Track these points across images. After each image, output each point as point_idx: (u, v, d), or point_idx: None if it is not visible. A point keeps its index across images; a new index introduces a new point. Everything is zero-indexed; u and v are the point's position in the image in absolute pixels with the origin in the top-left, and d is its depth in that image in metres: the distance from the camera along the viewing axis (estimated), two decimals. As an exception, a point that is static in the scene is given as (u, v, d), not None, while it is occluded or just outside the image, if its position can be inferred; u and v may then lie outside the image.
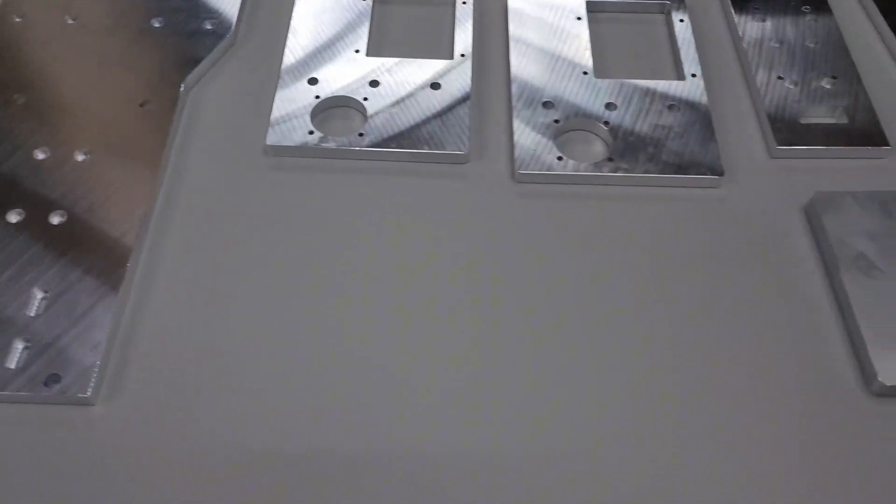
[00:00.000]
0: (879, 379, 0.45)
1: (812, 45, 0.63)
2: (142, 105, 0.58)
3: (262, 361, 0.47)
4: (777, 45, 0.63)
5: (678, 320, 0.49)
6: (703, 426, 0.45)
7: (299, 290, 0.50)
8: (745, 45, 0.63)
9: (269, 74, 0.61)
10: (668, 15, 0.66)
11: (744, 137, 0.59)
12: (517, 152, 0.56)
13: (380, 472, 0.43)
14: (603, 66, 0.63)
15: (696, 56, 0.62)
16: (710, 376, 0.47)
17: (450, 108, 0.58)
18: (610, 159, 0.56)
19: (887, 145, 0.56)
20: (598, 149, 0.57)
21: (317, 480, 0.43)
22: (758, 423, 0.45)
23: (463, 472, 0.43)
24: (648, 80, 0.60)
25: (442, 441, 0.44)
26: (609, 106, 0.58)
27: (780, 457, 0.44)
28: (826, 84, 0.60)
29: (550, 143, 0.56)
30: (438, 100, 0.59)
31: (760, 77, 0.61)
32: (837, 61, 0.62)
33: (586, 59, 0.62)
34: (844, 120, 0.58)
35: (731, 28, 0.66)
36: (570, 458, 0.44)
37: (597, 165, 0.55)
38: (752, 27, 0.64)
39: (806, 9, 0.65)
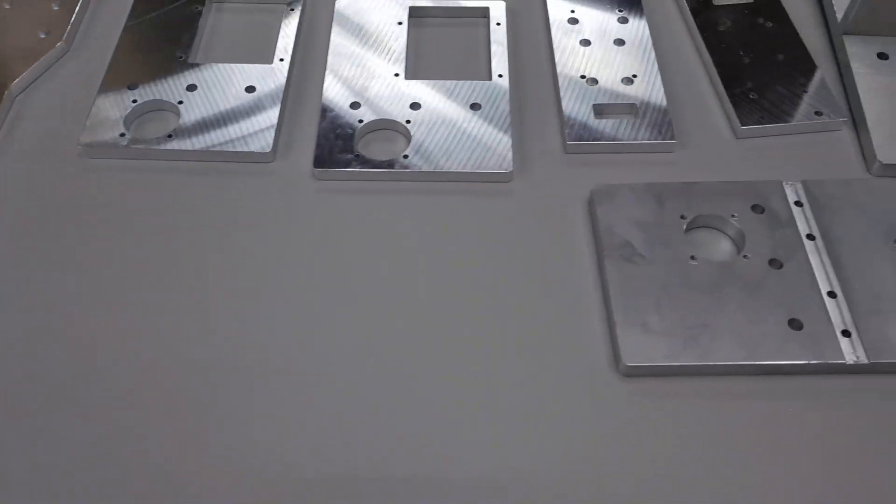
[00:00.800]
0: (623, 361, 0.48)
1: (620, 46, 0.65)
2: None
3: (64, 362, 0.49)
4: (586, 46, 0.65)
5: (467, 308, 0.52)
6: (480, 399, 0.48)
7: (113, 288, 0.52)
8: (555, 45, 0.65)
9: (96, 82, 0.63)
10: (487, 18, 0.69)
11: (543, 134, 0.61)
12: (316, 151, 0.58)
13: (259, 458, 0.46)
14: (416, 68, 0.66)
15: (506, 57, 0.64)
16: (490, 357, 0.49)
17: (260, 110, 0.61)
18: (405, 156, 0.58)
19: (673, 139, 0.59)
20: (399, 147, 0.60)
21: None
22: (523, 397, 0.48)
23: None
24: (457, 81, 0.63)
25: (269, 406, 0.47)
26: (414, 106, 0.61)
27: (540, 428, 0.47)
28: (626, 83, 0.62)
29: (350, 143, 0.59)
30: (251, 102, 0.61)
31: (563, 76, 0.63)
32: (642, 60, 0.64)
33: (400, 62, 0.64)
34: (636, 116, 0.60)
35: (547, 29, 0.68)
36: (378, 418, 0.46)
37: (392, 162, 0.58)
38: (564, 29, 0.66)
39: (621, 10, 0.68)
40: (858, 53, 0.63)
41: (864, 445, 0.46)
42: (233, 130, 0.59)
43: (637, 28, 0.67)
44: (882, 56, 0.63)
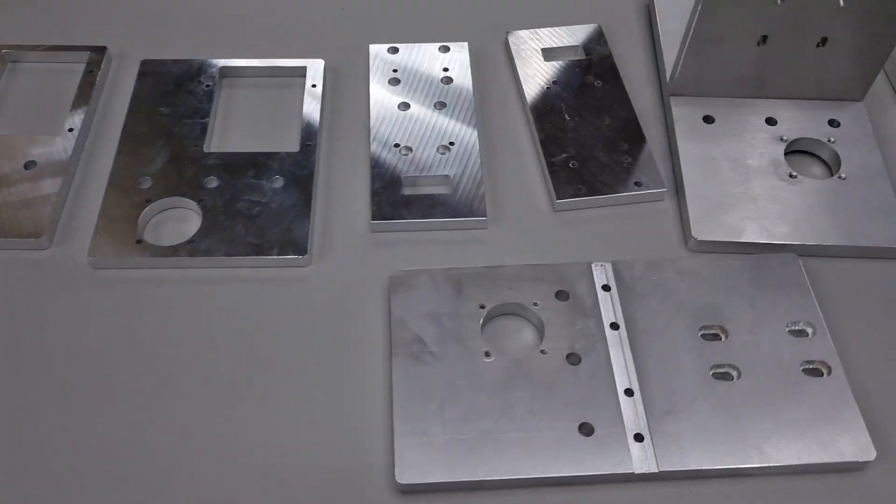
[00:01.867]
0: (396, 477, 0.44)
1: (440, 109, 0.61)
2: None
3: None
4: (405, 109, 0.61)
5: (249, 412, 0.47)
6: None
7: None
8: (371, 109, 0.61)
9: None
10: (304, 78, 0.64)
11: (350, 211, 0.57)
12: (95, 236, 0.53)
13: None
14: (221, 136, 0.61)
15: (319, 123, 0.60)
16: (267, 467, 0.45)
17: (39, 187, 0.55)
18: (192, 241, 0.53)
19: (484, 216, 0.55)
20: (191, 228, 0.55)
21: None
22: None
23: None
24: (264, 151, 0.58)
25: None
26: (209, 181, 0.56)
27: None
28: (442, 151, 0.59)
29: (134, 225, 0.54)
30: (28, 180, 0.55)
31: (377, 143, 0.59)
32: (462, 125, 0.60)
33: (202, 129, 0.59)
34: (450, 189, 0.57)
35: (367, 91, 0.63)
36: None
37: (176, 248, 0.53)
38: (383, 94, 0.62)
39: (446, 68, 0.63)
40: (684, 116, 0.60)
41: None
42: (3, 214, 0.54)
43: (461, 88, 0.63)
44: (708, 119, 0.60)
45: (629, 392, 0.47)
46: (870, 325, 0.52)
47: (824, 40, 0.57)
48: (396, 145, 0.59)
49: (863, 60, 0.58)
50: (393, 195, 0.56)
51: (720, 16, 0.56)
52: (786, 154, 0.59)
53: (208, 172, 0.57)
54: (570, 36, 0.67)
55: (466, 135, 0.59)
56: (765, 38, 0.57)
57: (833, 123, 0.60)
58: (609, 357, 0.49)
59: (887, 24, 0.56)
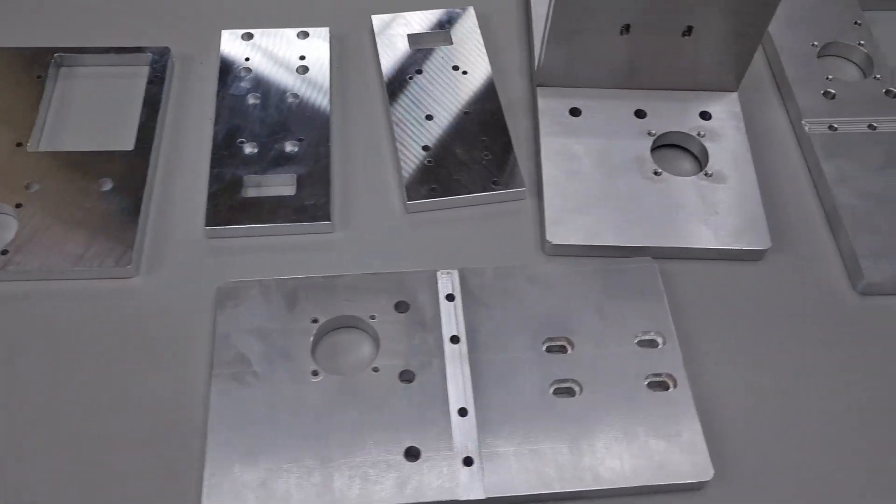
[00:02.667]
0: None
1: (293, 101, 0.56)
2: None
3: None
4: (255, 101, 0.56)
5: (66, 425, 0.44)
6: None
7: None
8: (217, 102, 0.56)
9: None
10: (149, 67, 0.59)
11: (185, 217, 0.53)
12: None
13: None
14: (53, 134, 0.56)
15: (160, 118, 0.55)
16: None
17: None
18: (4, 252, 0.49)
19: (328, 220, 0.52)
20: (6, 237, 0.50)
21: None
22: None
23: None
24: (96, 150, 0.53)
25: None
26: (29, 186, 0.52)
27: None
28: (289, 148, 0.54)
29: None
30: None
31: (218, 143, 0.54)
32: (312, 120, 0.56)
33: (28, 125, 0.54)
34: (297, 190, 0.53)
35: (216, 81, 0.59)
36: None
37: (-13, 261, 0.49)
38: (232, 85, 0.57)
39: (302, 57, 0.59)
40: (550, 108, 0.57)
41: None
42: None
43: (316, 78, 0.58)
44: (574, 112, 0.57)
45: (463, 412, 0.44)
46: (725, 331, 0.50)
47: (690, 29, 0.54)
48: (241, 142, 0.55)
49: (733, 49, 0.55)
50: (231, 198, 0.52)
51: (578, 3, 0.52)
52: (656, 148, 0.57)
53: (31, 175, 0.52)
54: (440, 20, 0.63)
55: (318, 130, 0.56)
56: (627, 27, 0.54)
57: (704, 116, 0.57)
58: (445, 373, 0.46)
59: (753, 12, 0.53)
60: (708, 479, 0.43)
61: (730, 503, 0.44)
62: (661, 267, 0.51)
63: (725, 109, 0.58)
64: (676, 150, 0.58)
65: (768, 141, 0.59)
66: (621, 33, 0.54)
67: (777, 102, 0.61)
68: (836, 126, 0.57)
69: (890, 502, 0.44)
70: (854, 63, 0.63)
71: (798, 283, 0.52)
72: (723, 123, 0.57)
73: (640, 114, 0.57)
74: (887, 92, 0.59)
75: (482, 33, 0.62)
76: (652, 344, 0.48)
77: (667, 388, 0.46)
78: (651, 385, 0.46)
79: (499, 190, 0.54)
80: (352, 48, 0.62)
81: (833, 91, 0.59)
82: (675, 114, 0.57)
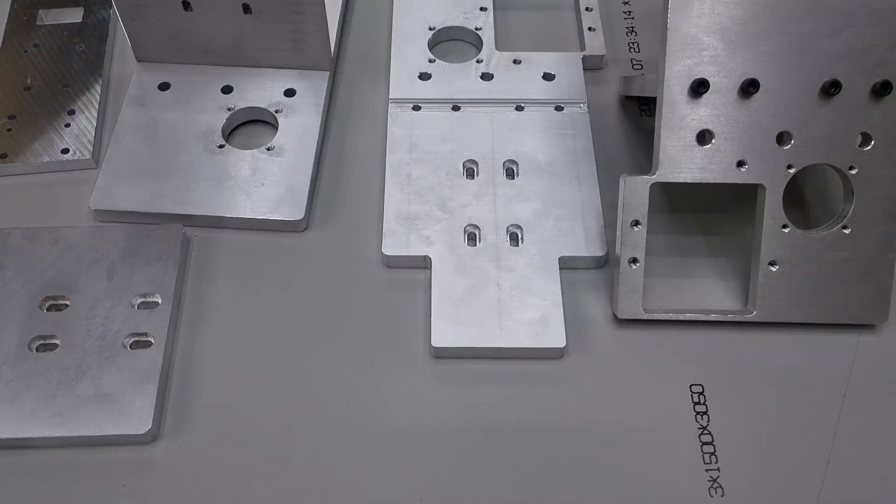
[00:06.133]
0: None
1: None
2: None
3: None
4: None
5: None
6: None
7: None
8: None
9: None
10: None
11: None
12: None
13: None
14: None
15: None
16: None
17: None
18: None
19: None
20: None
21: None
22: None
23: None
24: None
25: None
26: None
27: None
28: None
29: None
30: None
31: None
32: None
33: None
34: None
35: None
36: None
37: None
38: None
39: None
40: (143, 83, 0.59)
41: None
42: None
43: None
44: (163, 87, 0.58)
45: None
46: (239, 297, 0.51)
47: (246, 7, 0.55)
48: None
49: (307, 29, 0.57)
50: None
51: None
52: (243, 124, 0.58)
53: None
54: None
55: None
56: (187, 5, 0.56)
57: (289, 93, 0.58)
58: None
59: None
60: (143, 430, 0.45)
61: (173, 459, 0.45)
62: (201, 235, 0.53)
63: (312, 87, 0.59)
64: (263, 125, 0.59)
65: (360, 119, 0.60)
66: (185, 9, 0.56)
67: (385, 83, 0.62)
68: (420, 106, 0.59)
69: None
70: (471, 44, 0.64)
71: (330, 254, 0.53)
72: (304, 101, 0.58)
73: (226, 90, 0.59)
74: (483, 75, 0.61)
75: (112, 13, 0.64)
76: (151, 305, 0.50)
77: (146, 347, 0.48)
78: (133, 345, 0.48)
79: (69, 157, 0.56)
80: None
81: (430, 73, 0.61)
82: (261, 91, 0.59)
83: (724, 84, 0.47)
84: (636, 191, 0.49)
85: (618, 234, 0.49)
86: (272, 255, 0.53)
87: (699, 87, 0.47)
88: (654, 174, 0.48)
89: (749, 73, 0.47)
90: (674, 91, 0.48)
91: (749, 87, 0.47)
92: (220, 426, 0.47)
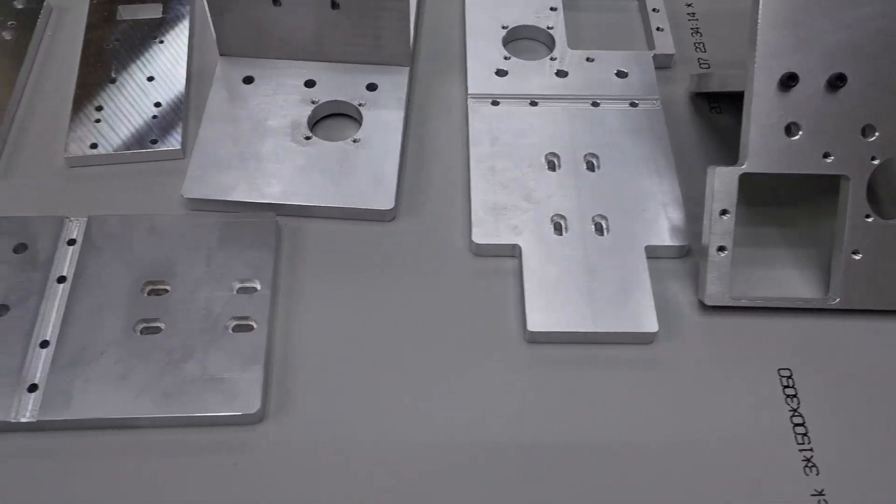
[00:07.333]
0: None
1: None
2: None
3: None
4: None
5: None
6: None
7: None
8: None
9: None
10: None
11: None
12: None
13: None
14: None
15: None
16: None
17: None
18: None
19: None
20: None
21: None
22: None
23: None
24: None
25: None
26: None
27: None
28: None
29: None
30: None
31: None
32: None
33: None
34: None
35: None
36: None
37: None
38: None
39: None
40: (226, 76, 0.60)
41: None
42: None
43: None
44: (248, 80, 0.60)
45: (44, 344, 0.47)
46: (335, 283, 0.52)
47: (334, 3, 0.57)
48: None
49: (387, 25, 0.58)
50: None
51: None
52: (326, 117, 0.60)
53: None
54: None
55: None
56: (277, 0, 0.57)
57: (371, 87, 0.60)
58: (38, 309, 0.49)
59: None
60: (256, 421, 0.46)
61: (280, 438, 0.46)
62: (291, 224, 0.54)
63: (393, 82, 0.60)
64: (346, 119, 0.61)
65: (438, 112, 0.61)
66: (274, 4, 0.57)
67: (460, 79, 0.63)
68: (499, 101, 0.61)
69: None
70: (542, 43, 0.66)
71: (419, 243, 0.54)
72: (386, 95, 0.60)
73: (309, 84, 0.60)
74: (558, 73, 0.62)
75: (190, 8, 0.66)
76: (249, 291, 0.51)
77: (248, 331, 0.49)
78: (235, 328, 0.49)
79: (157, 148, 0.57)
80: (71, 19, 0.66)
81: (506, 69, 0.62)
82: (343, 85, 0.60)
83: (812, 77, 0.49)
84: (725, 181, 0.50)
85: (705, 223, 0.51)
86: (362, 244, 0.54)
87: (788, 81, 0.49)
88: (742, 164, 0.50)
89: (836, 67, 0.49)
90: (763, 84, 0.49)
91: (837, 81, 0.49)
92: (322, 407, 0.48)
